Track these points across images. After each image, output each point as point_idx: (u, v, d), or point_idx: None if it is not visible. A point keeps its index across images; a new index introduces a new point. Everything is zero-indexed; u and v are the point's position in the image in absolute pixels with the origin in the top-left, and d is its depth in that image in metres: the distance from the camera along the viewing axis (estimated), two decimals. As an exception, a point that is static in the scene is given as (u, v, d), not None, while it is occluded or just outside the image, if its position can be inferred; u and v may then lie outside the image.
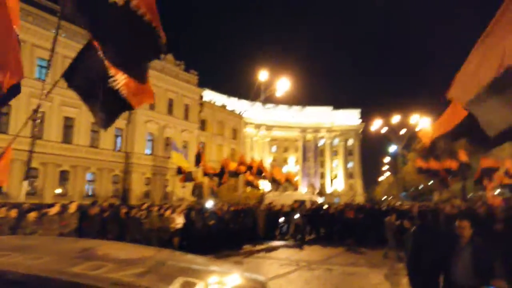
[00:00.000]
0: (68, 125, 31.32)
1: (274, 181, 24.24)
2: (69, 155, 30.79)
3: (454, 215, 11.41)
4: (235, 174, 20.35)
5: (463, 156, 18.50)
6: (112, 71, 4.54)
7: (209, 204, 17.75)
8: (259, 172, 21.66)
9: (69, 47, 26.49)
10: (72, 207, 10.44)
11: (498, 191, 25.11)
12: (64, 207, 10.33)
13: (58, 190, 30.10)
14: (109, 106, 4.86)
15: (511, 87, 3.12)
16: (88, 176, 32.95)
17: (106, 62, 4.43)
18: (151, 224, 12.84)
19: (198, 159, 20.93)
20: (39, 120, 3.08)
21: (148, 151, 38.20)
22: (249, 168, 20.93)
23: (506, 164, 19.47)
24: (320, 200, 31.98)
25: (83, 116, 30.97)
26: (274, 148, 77.23)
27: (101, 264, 1.79)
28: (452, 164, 17.96)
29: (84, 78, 4.79)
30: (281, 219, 18.28)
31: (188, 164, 19.76)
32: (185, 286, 1.71)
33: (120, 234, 11.01)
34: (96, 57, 4.47)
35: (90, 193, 32.43)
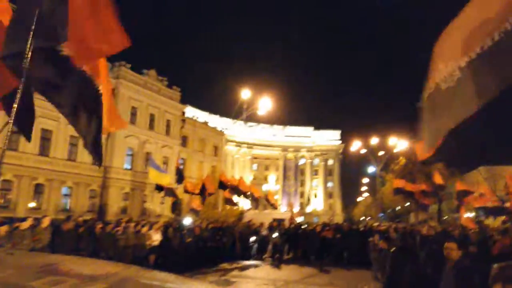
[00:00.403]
0: (46, 138, 30.62)
1: (254, 199, 24.18)
2: (45, 168, 30.04)
3: (430, 237, 11.59)
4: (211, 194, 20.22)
5: (438, 179, 18.88)
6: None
7: (188, 221, 17.46)
8: (239, 191, 21.56)
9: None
10: (45, 222, 10.15)
11: (472, 214, 25.61)
12: (37, 222, 10.05)
13: (32, 204, 29.20)
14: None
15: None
16: (64, 190, 32.14)
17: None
18: (127, 240, 12.57)
19: (181, 176, 20.68)
20: (10, 131, 2.98)
21: (127, 166, 37.64)
22: (229, 186, 20.86)
23: (480, 187, 19.95)
24: (299, 219, 31.96)
25: (62, 129, 30.42)
26: (255, 166, 77.21)
27: (62, 279, 1.74)
28: (427, 187, 18.31)
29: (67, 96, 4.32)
30: (252, 238, 17.94)
31: (167, 181, 19.46)
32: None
33: (94, 251, 10.74)
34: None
35: (65, 207, 31.58)
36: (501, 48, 2.41)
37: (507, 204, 17.94)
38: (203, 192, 19.10)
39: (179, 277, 2.19)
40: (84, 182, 33.26)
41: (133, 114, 38.14)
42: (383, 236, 11.84)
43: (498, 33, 2.41)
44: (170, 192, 18.92)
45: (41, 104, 28.29)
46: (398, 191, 22.48)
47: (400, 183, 21.40)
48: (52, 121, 29.56)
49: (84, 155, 33.13)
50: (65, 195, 32.29)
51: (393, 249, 6.52)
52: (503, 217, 18.65)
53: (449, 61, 2.77)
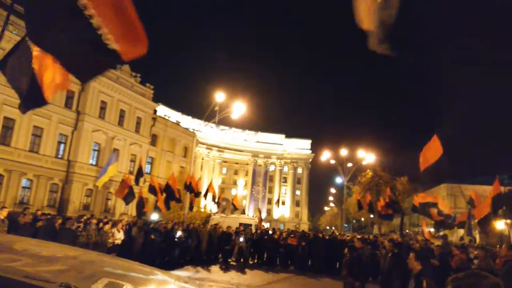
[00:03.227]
0: (7, 126, 29.21)
1: (217, 203, 24.02)
2: (4, 158, 28.64)
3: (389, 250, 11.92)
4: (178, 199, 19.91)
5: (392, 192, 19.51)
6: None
7: (154, 217, 16.99)
8: (206, 194, 21.38)
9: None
10: (3, 213, 9.71)
11: (431, 229, 26.42)
12: (-6, 213, 9.58)
13: (-13, 195, 27.76)
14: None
15: None
16: (24, 183, 30.73)
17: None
18: (88, 237, 12.15)
19: (139, 174, 20.28)
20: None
21: (92, 162, 36.47)
22: (195, 189, 20.66)
23: (439, 202, 20.59)
24: (265, 225, 32.00)
25: (25, 118, 29.18)
26: (224, 170, 76.87)
27: (17, 258, 1.59)
28: (389, 199, 18.85)
29: (15, 69, 4.92)
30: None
31: (113, 173, 19.53)
32: (109, 286, 1.56)
33: (52, 246, 10.28)
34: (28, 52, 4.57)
35: (24, 200, 30.19)
36: None
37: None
38: (168, 192, 18.76)
39: (145, 266, 2.07)
40: (46, 176, 31.93)
41: (103, 108, 37.05)
42: (347, 246, 12.02)
43: None
44: (129, 197, 18.29)
45: (3, 90, 26.86)
46: (360, 206, 23.48)
47: (363, 195, 22.09)
48: (15, 110, 28.25)
49: (47, 147, 31.89)
50: (25, 187, 30.87)
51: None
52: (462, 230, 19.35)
53: None
